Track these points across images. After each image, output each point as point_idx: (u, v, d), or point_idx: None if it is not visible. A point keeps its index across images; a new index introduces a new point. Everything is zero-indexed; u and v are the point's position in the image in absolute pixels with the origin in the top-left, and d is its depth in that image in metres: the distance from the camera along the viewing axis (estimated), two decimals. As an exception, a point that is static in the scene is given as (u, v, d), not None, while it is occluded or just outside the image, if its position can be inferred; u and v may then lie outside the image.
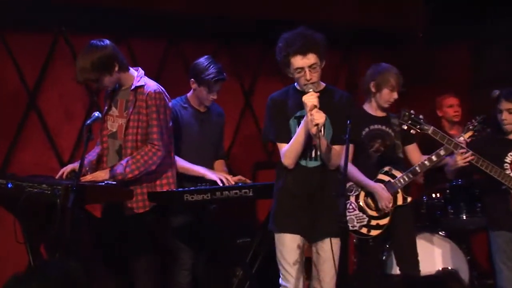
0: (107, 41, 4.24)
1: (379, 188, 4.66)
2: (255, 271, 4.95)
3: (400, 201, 4.74)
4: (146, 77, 4.39)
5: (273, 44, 3.98)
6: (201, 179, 4.67)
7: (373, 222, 4.70)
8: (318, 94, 3.81)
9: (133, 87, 4.30)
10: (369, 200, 4.72)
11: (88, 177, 4.21)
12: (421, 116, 4.56)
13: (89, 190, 3.96)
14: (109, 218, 4.46)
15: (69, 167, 4.45)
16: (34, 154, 5.25)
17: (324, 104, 3.81)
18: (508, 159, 4.70)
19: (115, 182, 4.13)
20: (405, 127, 4.55)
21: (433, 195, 5.56)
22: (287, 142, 3.93)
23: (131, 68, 4.38)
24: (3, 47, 5.14)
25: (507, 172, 4.65)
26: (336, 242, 3.91)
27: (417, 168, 4.72)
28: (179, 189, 4.45)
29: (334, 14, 6.15)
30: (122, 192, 4.15)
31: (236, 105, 6.10)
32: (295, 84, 4.00)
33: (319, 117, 3.73)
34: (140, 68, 4.43)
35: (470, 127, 4.75)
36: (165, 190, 4.37)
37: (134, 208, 4.28)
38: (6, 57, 5.15)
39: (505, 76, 5.55)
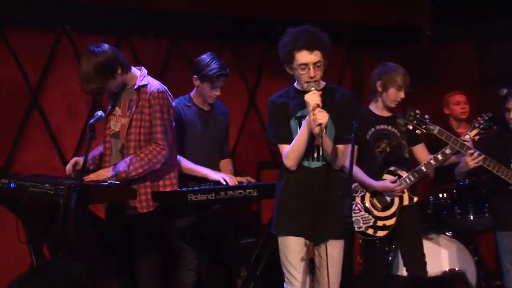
0: (106, 45, 4.21)
1: (383, 183, 4.62)
2: (259, 273, 4.92)
3: (406, 201, 4.71)
4: (149, 77, 4.36)
5: (274, 43, 3.93)
6: (205, 179, 4.65)
7: (380, 223, 4.67)
8: (320, 92, 3.74)
9: (136, 86, 4.29)
10: (375, 201, 4.69)
11: (91, 176, 4.18)
12: (426, 116, 4.51)
13: (92, 190, 3.94)
14: (112, 218, 4.44)
15: (73, 160, 4.42)
16: (36, 154, 5.23)
17: (325, 103, 3.72)
18: (515, 158, 4.65)
19: (118, 182, 4.10)
20: (411, 127, 4.51)
21: (440, 195, 5.49)
22: (289, 143, 3.85)
23: (134, 68, 4.35)
24: (5, 46, 5.11)
25: (515, 171, 4.61)
26: (339, 243, 3.85)
27: (422, 167, 4.68)
28: (183, 189, 4.42)
29: (336, 13, 6.12)
30: (126, 191, 4.13)
31: (240, 104, 6.07)
32: (295, 84, 3.93)
33: (322, 116, 3.65)
34: (143, 68, 4.41)
35: (476, 125, 4.71)
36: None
37: (138, 208, 4.27)
38: (8, 56, 5.12)
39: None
